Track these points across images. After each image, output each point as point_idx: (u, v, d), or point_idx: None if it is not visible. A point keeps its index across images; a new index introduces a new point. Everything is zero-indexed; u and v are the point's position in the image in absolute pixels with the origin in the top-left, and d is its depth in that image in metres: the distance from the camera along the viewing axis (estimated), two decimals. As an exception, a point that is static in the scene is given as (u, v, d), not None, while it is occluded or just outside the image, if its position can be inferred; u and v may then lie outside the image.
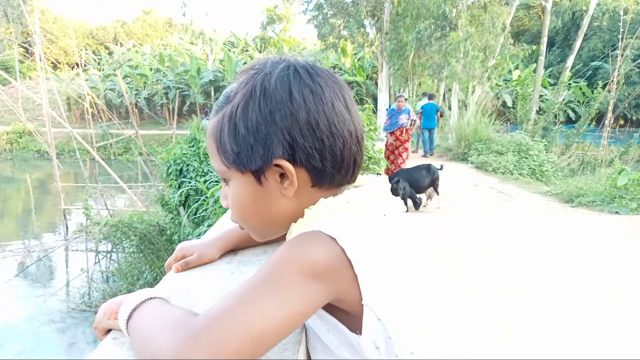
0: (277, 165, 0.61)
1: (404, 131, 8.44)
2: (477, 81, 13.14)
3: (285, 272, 0.54)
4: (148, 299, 0.68)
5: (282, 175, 0.63)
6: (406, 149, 8.60)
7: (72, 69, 28.16)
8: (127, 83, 28.05)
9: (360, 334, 0.58)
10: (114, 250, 8.31)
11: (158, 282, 0.94)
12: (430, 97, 12.18)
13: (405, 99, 14.78)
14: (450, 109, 15.42)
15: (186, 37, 41.76)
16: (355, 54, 26.18)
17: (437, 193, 5.97)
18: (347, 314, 0.59)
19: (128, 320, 0.66)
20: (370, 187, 0.70)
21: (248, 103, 0.61)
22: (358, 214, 0.62)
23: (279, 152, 0.60)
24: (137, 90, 28.39)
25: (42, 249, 9.29)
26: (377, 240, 0.59)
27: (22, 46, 26.16)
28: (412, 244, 0.65)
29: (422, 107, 11.79)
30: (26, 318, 6.96)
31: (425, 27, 13.81)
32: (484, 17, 13.10)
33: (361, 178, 0.74)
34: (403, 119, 8.38)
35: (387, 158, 8.49)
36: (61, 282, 8.32)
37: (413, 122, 8.81)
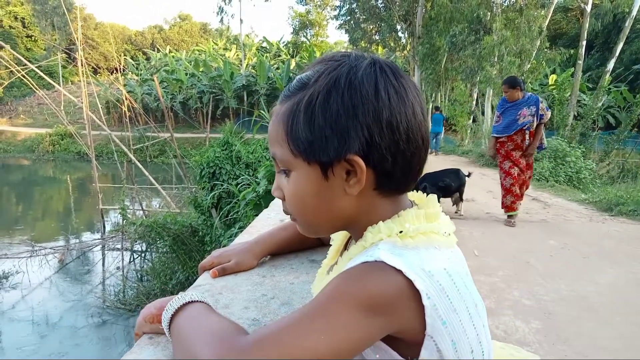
0: (348, 161, 0.59)
1: (526, 134, 5.04)
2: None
3: (340, 305, 0.53)
4: (191, 301, 0.69)
5: (349, 173, 0.60)
6: (530, 166, 5.29)
7: (111, 74, 29.16)
8: (163, 88, 28.83)
9: (412, 359, 0.57)
10: (148, 250, 8.55)
11: (190, 282, 0.98)
12: (437, 108, 14.88)
13: (437, 108, 15.09)
14: (483, 114, 15.16)
15: (220, 42, 42.58)
16: (386, 58, 26.04)
17: (462, 199, 5.89)
18: (400, 341, 0.57)
19: (171, 323, 0.67)
20: (426, 204, 0.67)
21: (330, 93, 0.59)
22: (420, 240, 0.59)
23: (355, 148, 0.58)
24: (172, 94, 29.13)
25: (81, 248, 9.65)
26: (440, 268, 0.57)
27: (65, 52, 27.25)
28: (464, 266, 0.63)
29: (431, 117, 14.11)
30: (65, 312, 7.24)
31: (458, 31, 13.67)
32: (520, 21, 12.86)
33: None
34: (526, 115, 4.94)
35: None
36: (98, 279, 8.62)
37: (542, 118, 4.98)
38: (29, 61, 12.99)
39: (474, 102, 16.62)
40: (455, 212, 5.83)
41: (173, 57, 35.53)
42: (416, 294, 0.53)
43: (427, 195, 0.70)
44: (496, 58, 12.96)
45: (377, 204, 0.64)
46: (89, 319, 6.94)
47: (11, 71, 13.50)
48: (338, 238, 0.80)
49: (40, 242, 9.73)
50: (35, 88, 12.02)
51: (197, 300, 0.69)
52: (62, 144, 27.25)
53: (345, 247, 0.78)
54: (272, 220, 1.59)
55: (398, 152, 0.59)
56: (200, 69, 30.24)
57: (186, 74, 30.00)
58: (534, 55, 13.46)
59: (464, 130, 16.99)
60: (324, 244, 1.14)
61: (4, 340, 6.58)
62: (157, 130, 14.72)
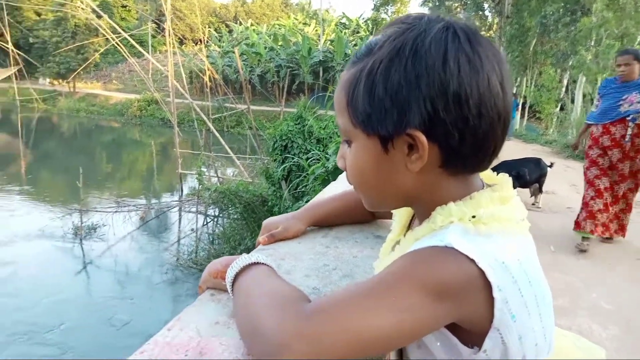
0: (409, 135, 0.55)
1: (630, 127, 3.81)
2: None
3: (408, 287, 0.51)
4: (255, 263, 0.68)
5: (411, 147, 0.56)
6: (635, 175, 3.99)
7: (195, 45, 30.34)
8: (243, 60, 29.56)
9: (472, 347, 0.55)
10: (221, 215, 8.97)
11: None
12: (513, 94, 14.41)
13: (515, 95, 14.46)
14: (573, 102, 14.10)
15: (300, 17, 42.76)
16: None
17: (541, 191, 5.56)
18: (463, 329, 0.55)
19: (234, 281, 0.67)
20: (501, 186, 0.62)
21: (393, 61, 0.54)
22: (494, 227, 0.55)
23: (415, 122, 0.54)
24: (251, 67, 29.82)
25: (160, 208, 10.32)
26: (514, 259, 0.53)
27: (155, 22, 28.74)
28: (535, 254, 0.59)
29: None
30: (142, 267, 7.85)
31: (552, 11, 12.69)
32: (626, 1, 11.66)
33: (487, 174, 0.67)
34: (634, 102, 3.75)
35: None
36: (173, 238, 9.22)
37: None
38: (123, 30, 13.84)
39: (564, 89, 15.48)
40: (533, 204, 5.54)
41: (254, 30, 36.21)
42: (487, 285, 0.50)
43: None
44: (593, 42, 11.91)
45: (443, 183, 0.60)
46: (163, 275, 7.47)
47: (107, 39, 14.48)
48: (402, 214, 0.76)
49: (125, 200, 10.54)
50: (127, 56, 12.82)
51: (263, 263, 0.69)
52: (149, 110, 28.96)
53: (410, 225, 0.74)
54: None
55: (467, 128, 0.54)
56: (279, 43, 30.62)
57: (265, 48, 30.51)
58: (638, 39, 12.21)
59: (549, 119, 15.93)
60: (378, 218, 1.13)
61: (92, 285, 7.28)
62: (235, 102, 15.20)
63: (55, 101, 30.32)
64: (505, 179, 0.64)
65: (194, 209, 9.73)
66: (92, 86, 35.33)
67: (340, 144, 0.66)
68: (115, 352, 5.11)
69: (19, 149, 17.96)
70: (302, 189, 6.65)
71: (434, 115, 0.53)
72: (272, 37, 32.10)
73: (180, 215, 10.18)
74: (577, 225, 4.05)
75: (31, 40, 33.19)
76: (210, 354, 0.60)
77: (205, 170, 10.05)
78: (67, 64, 29.99)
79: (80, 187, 9.18)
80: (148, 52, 13.79)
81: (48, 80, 33.21)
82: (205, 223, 9.25)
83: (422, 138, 0.54)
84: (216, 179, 10.70)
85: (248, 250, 0.92)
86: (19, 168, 14.85)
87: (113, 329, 5.77)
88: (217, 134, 11.44)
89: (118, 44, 12.49)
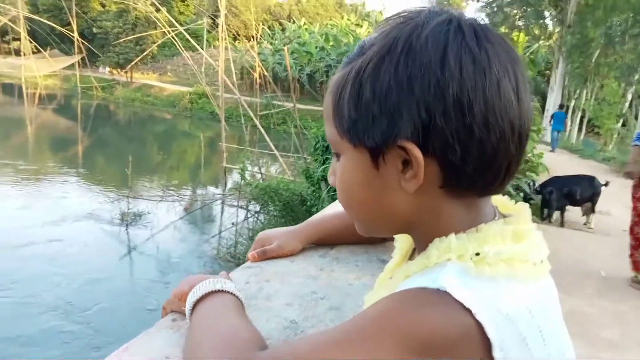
0: (401, 148, 0.46)
1: None
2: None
3: (384, 338, 0.41)
4: (219, 290, 0.62)
5: (406, 163, 0.47)
6: None
7: (248, 42, 30.89)
8: (293, 59, 29.85)
9: None
10: (261, 211, 9.07)
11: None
12: (561, 106, 14.71)
13: (561, 105, 14.42)
14: (636, 118, 13.32)
15: (352, 18, 42.71)
16: (528, 46, 24.04)
17: (594, 211, 5.27)
18: None
19: (193, 309, 0.62)
20: (517, 218, 0.52)
21: (383, 60, 0.46)
22: (500, 269, 0.45)
23: (408, 132, 0.45)
24: (301, 66, 30.06)
25: (203, 200, 10.57)
26: (522, 308, 0.44)
27: (211, 17, 29.49)
28: (554, 301, 0.50)
29: (553, 114, 14.06)
30: (183, 256, 8.05)
31: (619, 22, 12.02)
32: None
33: (499, 199, 0.56)
34: None
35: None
36: (214, 231, 9.40)
37: None
38: (180, 24, 14.27)
39: (627, 104, 14.64)
40: (585, 224, 5.27)
41: (306, 29, 36.50)
42: (486, 342, 0.40)
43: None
44: (664, 55, 11.18)
45: (445, 207, 0.50)
46: (201, 266, 7.63)
47: (164, 32, 14.97)
48: (405, 240, 0.65)
49: (170, 190, 10.84)
50: (181, 49, 13.20)
51: (229, 292, 0.63)
52: (199, 103, 29.73)
53: (412, 255, 0.63)
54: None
55: (471, 140, 0.45)
56: (330, 44, 30.72)
57: (316, 48, 30.69)
58: None
59: (609, 134, 15.13)
60: (389, 240, 0.96)
61: (133, 270, 7.55)
62: (282, 100, 15.35)
63: (113, 90, 31.69)
64: (524, 208, 0.53)
65: (235, 203, 9.89)
66: (148, 77, 36.70)
67: (332, 157, 0.57)
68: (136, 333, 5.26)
69: (77, 134, 18.91)
70: (343, 192, 6.63)
71: (430, 124, 0.45)
72: (323, 36, 32.25)
73: (222, 208, 10.38)
74: (637, 265, 3.64)
75: (95, 30, 34.85)
76: None
77: (249, 165, 10.21)
78: (126, 54, 31.28)
79: (129, 175, 9.52)
80: (202, 47, 14.13)
81: (108, 69, 34.77)
82: (245, 218, 9.38)
83: (416, 151, 0.45)
84: (259, 175, 10.83)
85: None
86: (76, 152, 15.63)
87: (145, 313, 5.93)
88: (262, 131, 11.59)
89: (174, 38, 12.90)
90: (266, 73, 15.60)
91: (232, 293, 0.63)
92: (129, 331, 5.55)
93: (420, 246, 0.54)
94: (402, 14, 0.50)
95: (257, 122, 11.75)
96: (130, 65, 27.07)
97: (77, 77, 28.06)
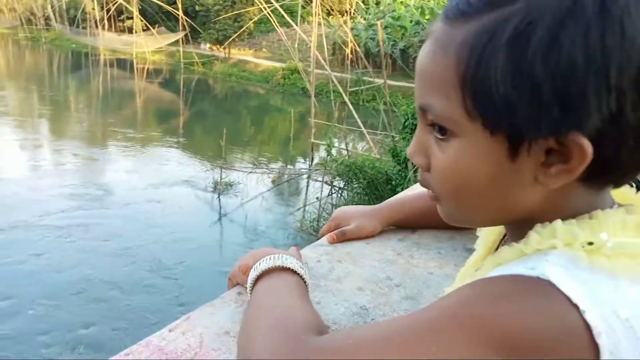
0: (559, 140, 0.36)
1: None
2: None
3: (461, 332, 0.34)
4: (282, 268, 0.59)
5: (549, 152, 0.38)
6: None
7: (342, 16, 30.67)
8: (387, 33, 29.17)
9: None
10: (345, 187, 9.11)
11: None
12: None
13: None
14: None
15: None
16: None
17: None
18: None
19: (254, 284, 0.59)
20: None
21: (564, 23, 0.34)
22: (621, 264, 0.36)
23: (589, 126, 0.35)
24: (394, 41, 29.28)
25: (290, 174, 10.85)
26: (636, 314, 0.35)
27: (306, -7, 29.72)
28: None
29: None
30: (269, 226, 8.38)
31: None
32: None
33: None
34: None
35: None
36: (299, 204, 9.64)
37: None
38: (276, 0, 14.51)
39: None
40: None
41: (402, 2, 35.39)
42: (593, 347, 0.32)
43: None
44: None
45: (572, 199, 0.41)
46: (285, 238, 7.89)
47: (261, 9, 15.34)
48: (490, 231, 0.56)
49: (260, 162, 11.28)
50: (276, 25, 13.43)
51: (292, 270, 0.58)
52: (291, 79, 30.24)
53: (499, 246, 0.55)
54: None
55: None
56: (427, 17, 29.48)
57: (411, 22, 29.68)
58: None
59: None
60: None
61: (223, 234, 8.02)
62: (373, 76, 15.11)
63: (212, 65, 33.29)
64: None
65: (320, 179, 10.02)
66: (244, 53, 38.01)
67: (419, 131, 0.46)
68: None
69: (179, 106, 20.23)
70: (429, 172, 6.42)
71: (617, 116, 0.35)
72: (419, 10, 31.05)
73: (307, 183, 10.58)
74: None
75: (197, 8, 36.65)
76: None
77: (335, 142, 10.24)
78: (225, 31, 32.55)
79: (223, 146, 10.01)
80: (296, 23, 14.28)
81: (208, 45, 36.52)
82: (330, 193, 9.48)
83: (587, 147, 0.35)
84: (345, 151, 10.85)
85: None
86: (177, 123, 16.74)
87: (225, 276, 6.28)
88: (351, 107, 11.52)
89: (269, 14, 13.14)
90: (358, 49, 15.41)
91: (295, 271, 0.60)
92: (211, 290, 5.95)
93: (514, 235, 0.45)
94: None
95: (346, 99, 11.70)
96: (228, 42, 28.21)
97: (180, 53, 29.90)
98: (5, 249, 6.40)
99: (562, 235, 0.38)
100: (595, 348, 0.32)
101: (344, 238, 0.84)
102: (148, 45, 29.83)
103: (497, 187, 0.41)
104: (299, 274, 0.60)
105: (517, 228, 0.44)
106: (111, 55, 30.80)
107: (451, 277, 0.73)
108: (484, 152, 0.40)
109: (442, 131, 0.42)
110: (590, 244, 0.37)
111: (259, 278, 0.59)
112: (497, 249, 0.53)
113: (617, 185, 0.42)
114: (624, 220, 0.39)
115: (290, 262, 0.60)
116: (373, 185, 7.36)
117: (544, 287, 0.34)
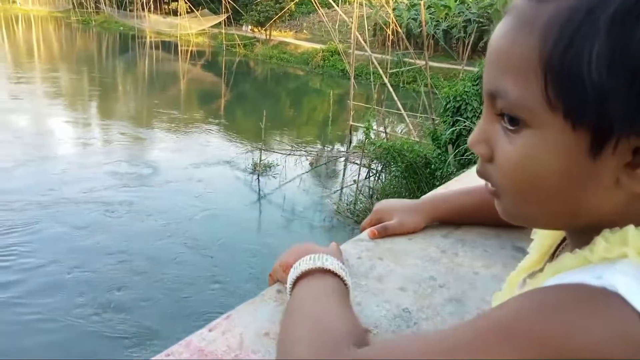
0: None
1: None
2: None
3: (515, 349, 0.32)
4: (323, 269, 0.57)
5: (636, 153, 0.34)
6: None
7: (385, -4, 30.07)
8: (430, 13, 28.37)
9: None
10: (383, 171, 9.06)
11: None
12: None
13: None
14: None
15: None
16: None
17: None
18: None
19: (294, 284, 0.58)
20: None
21: None
22: None
23: None
24: (437, 21, 28.45)
25: (328, 156, 10.87)
26: None
27: (348, -27, 29.24)
28: None
29: None
30: (306, 208, 8.46)
31: None
32: None
33: None
34: None
35: None
36: (336, 187, 9.67)
37: None
38: (317, -19, 14.39)
39: None
40: None
41: (447, -19, 34.29)
42: None
43: None
44: None
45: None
46: (322, 220, 7.96)
47: (302, -11, 15.23)
48: (546, 235, 0.51)
49: (299, 144, 11.35)
50: (317, 6, 13.33)
51: (333, 272, 0.57)
52: (331, 60, 30.01)
53: (554, 254, 0.50)
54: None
55: None
56: (472, -4, 28.47)
57: (455, 1, 28.72)
58: None
59: None
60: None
61: (262, 215, 8.19)
62: (414, 57, 14.81)
63: (253, 47, 33.50)
64: None
65: (358, 161, 10.00)
66: (285, 35, 37.96)
67: (484, 118, 0.41)
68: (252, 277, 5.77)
69: (220, 88, 20.54)
70: (470, 156, 6.27)
71: None
72: (465, -11, 29.98)
73: (345, 165, 10.58)
74: None
75: (240, -10, 36.82)
76: None
77: (374, 124, 10.16)
78: (266, 12, 32.58)
79: (263, 128, 10.13)
80: (338, 3, 14.13)
81: (249, 27, 36.69)
82: (367, 176, 9.45)
83: None
84: (384, 134, 10.75)
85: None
86: (219, 104, 17.02)
87: (266, 255, 6.38)
88: (391, 89, 11.37)
89: (310, -5, 13.03)
90: (399, 29, 15.09)
91: (336, 273, 0.58)
92: (241, 270, 6.08)
93: (577, 240, 0.42)
94: None
95: (386, 81, 11.54)
96: (269, 24, 28.26)
97: (222, 35, 30.21)
98: (52, 221, 6.80)
99: (635, 243, 0.35)
100: None
101: (385, 233, 0.82)
102: (192, 28, 30.34)
103: (569, 187, 0.37)
104: (339, 276, 0.58)
105: (581, 233, 0.40)
106: (156, 38, 31.56)
107: (498, 278, 0.70)
108: (561, 147, 0.36)
109: (513, 121, 0.38)
110: None
111: (298, 278, 0.58)
112: (553, 254, 0.50)
113: None
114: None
115: (331, 264, 0.58)
116: (411, 169, 7.28)
117: (610, 299, 0.31)
